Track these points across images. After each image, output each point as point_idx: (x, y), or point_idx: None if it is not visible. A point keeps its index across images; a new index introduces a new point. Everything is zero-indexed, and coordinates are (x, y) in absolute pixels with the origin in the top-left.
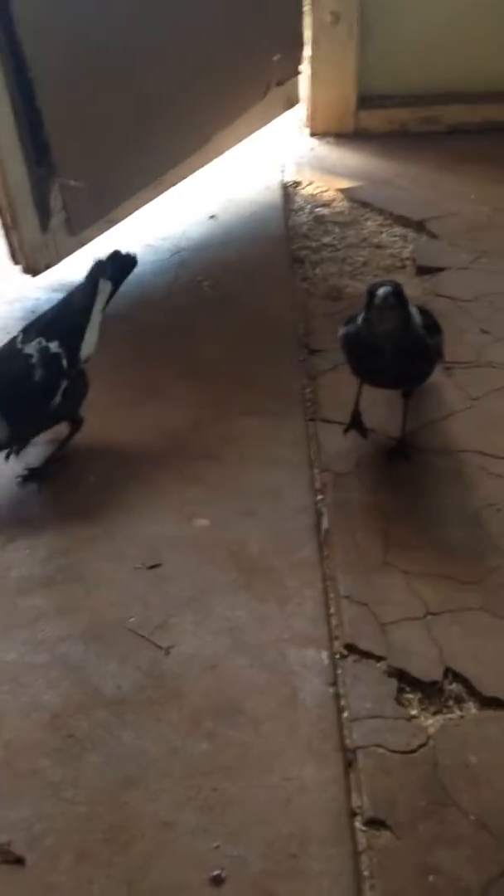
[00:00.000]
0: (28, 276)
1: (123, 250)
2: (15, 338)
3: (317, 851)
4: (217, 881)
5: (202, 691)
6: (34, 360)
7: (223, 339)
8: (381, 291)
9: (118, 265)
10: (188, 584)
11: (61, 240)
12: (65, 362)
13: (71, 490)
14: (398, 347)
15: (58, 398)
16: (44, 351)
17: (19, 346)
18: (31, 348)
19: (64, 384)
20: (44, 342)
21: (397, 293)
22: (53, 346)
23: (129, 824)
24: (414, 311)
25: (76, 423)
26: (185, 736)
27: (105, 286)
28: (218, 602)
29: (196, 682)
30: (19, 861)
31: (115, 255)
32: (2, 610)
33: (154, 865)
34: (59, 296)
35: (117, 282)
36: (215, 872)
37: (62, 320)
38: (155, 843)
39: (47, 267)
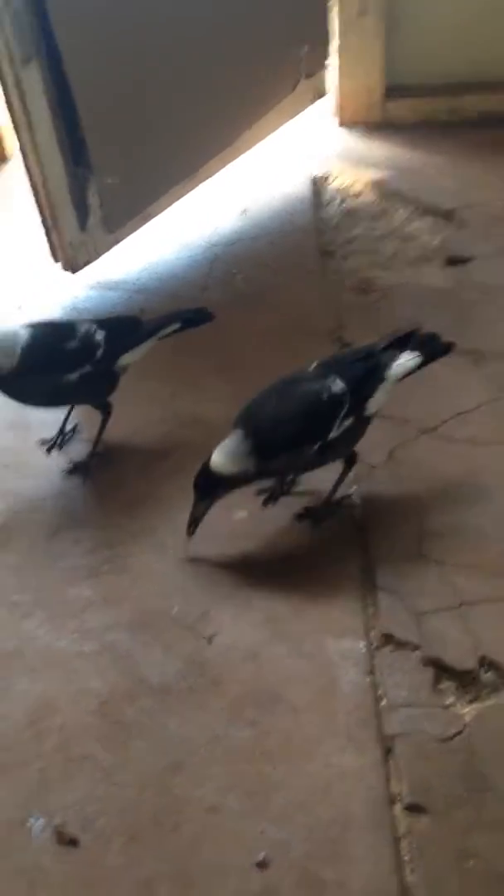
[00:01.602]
0: (68, 274)
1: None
2: (79, 319)
3: (358, 836)
4: (263, 864)
5: (243, 680)
6: (77, 332)
7: (257, 333)
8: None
9: (194, 316)
10: (227, 575)
11: (99, 237)
12: (100, 353)
13: (113, 483)
14: None
15: (74, 375)
16: (89, 333)
17: (74, 323)
18: (82, 326)
19: (86, 368)
20: (94, 328)
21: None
22: (99, 336)
23: (176, 808)
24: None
25: (105, 411)
26: (227, 723)
27: (173, 326)
28: (257, 593)
29: (237, 671)
30: (73, 842)
31: (199, 310)
32: (52, 599)
33: (202, 848)
34: (98, 292)
35: (186, 325)
36: (261, 856)
37: (122, 325)
38: (202, 827)
39: (86, 264)
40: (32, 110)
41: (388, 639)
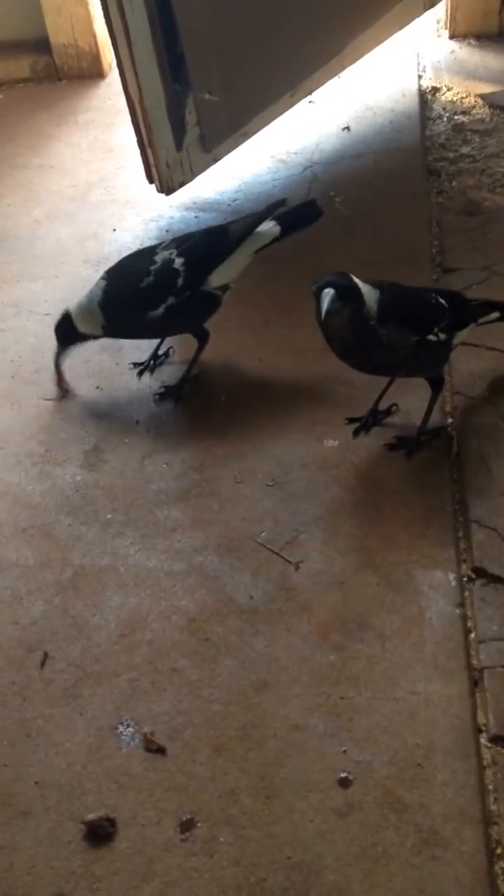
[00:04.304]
0: (162, 195)
1: (314, 203)
2: (161, 242)
3: (441, 763)
4: (345, 783)
5: (330, 605)
6: (153, 267)
7: (354, 258)
8: (325, 303)
9: (298, 214)
10: (316, 502)
11: (195, 156)
12: (181, 281)
13: (204, 409)
14: (347, 342)
15: (159, 311)
16: (167, 263)
17: (157, 250)
18: (160, 256)
19: (170, 300)
20: (173, 255)
21: (342, 294)
22: (178, 263)
23: (261, 724)
24: (373, 298)
25: (201, 338)
26: (313, 646)
27: (270, 228)
28: (345, 521)
29: (324, 597)
30: (161, 750)
31: (302, 205)
32: (142, 520)
33: (285, 763)
34: (192, 214)
35: (287, 229)
36: (343, 774)
37: (205, 242)
38: (286, 744)
39: (181, 185)
40: (131, 23)
41: (479, 573)
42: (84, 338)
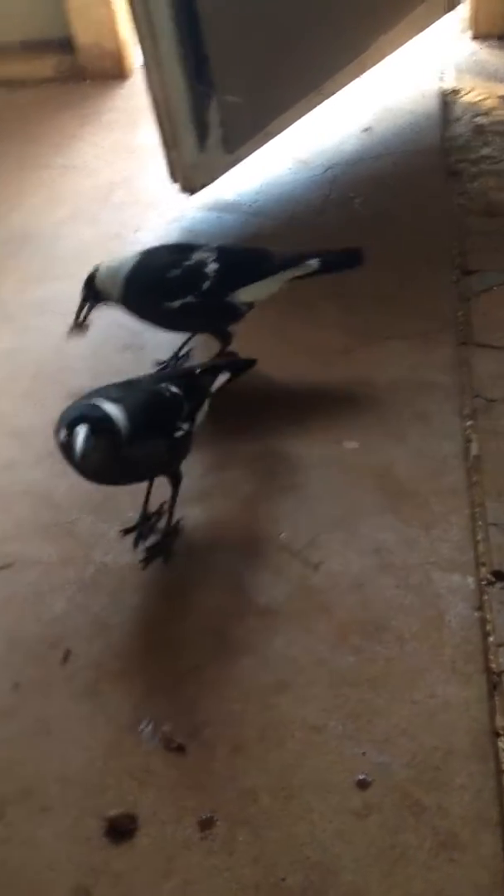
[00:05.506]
0: (185, 196)
1: (360, 251)
2: (206, 244)
3: (460, 766)
4: (363, 785)
5: (349, 607)
6: (186, 263)
7: (374, 259)
8: (79, 443)
9: (341, 257)
10: (336, 504)
11: (218, 158)
12: (206, 285)
13: (224, 408)
14: (105, 472)
15: (175, 304)
16: (200, 263)
17: (197, 249)
18: (197, 255)
19: (188, 298)
20: (209, 259)
21: (96, 429)
22: (211, 268)
23: (280, 725)
24: (121, 418)
25: (223, 339)
26: (332, 648)
27: (311, 262)
28: (365, 523)
29: (343, 599)
30: (180, 749)
31: (348, 249)
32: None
33: (304, 764)
34: (214, 215)
35: (327, 267)
36: (361, 776)
37: (245, 259)
38: (305, 745)
39: (203, 186)
40: (157, 23)
41: (498, 576)
42: (102, 298)
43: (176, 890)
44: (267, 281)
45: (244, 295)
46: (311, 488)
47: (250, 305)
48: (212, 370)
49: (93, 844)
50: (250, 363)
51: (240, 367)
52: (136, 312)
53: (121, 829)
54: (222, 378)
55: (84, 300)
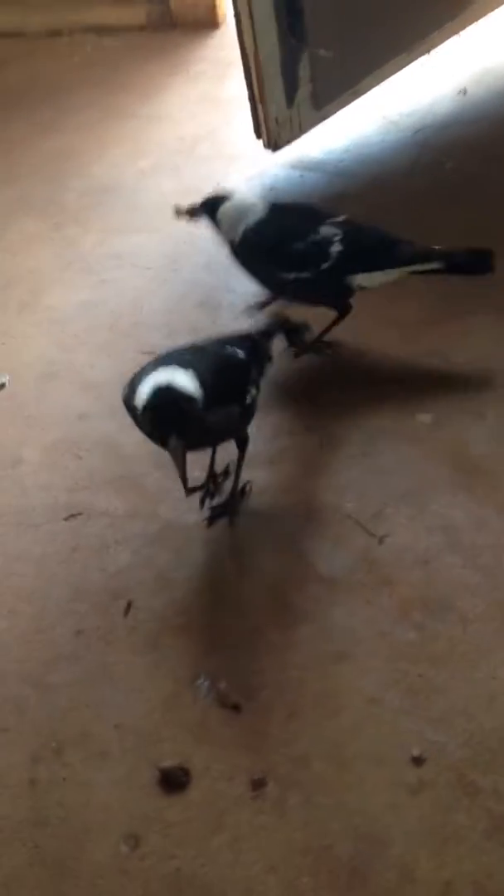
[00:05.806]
0: (268, 152)
1: (490, 255)
2: (337, 216)
3: None
4: (418, 761)
5: (413, 583)
6: (312, 238)
7: (462, 228)
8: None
9: (469, 259)
10: (405, 477)
11: (305, 114)
12: (325, 265)
13: (297, 373)
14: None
15: (289, 276)
16: (325, 242)
17: (326, 221)
18: (325, 230)
19: (304, 274)
20: (335, 238)
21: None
22: (335, 249)
23: (337, 694)
24: (195, 387)
25: (340, 311)
26: (394, 622)
27: (430, 266)
28: (434, 499)
29: (407, 574)
30: (236, 707)
31: (478, 252)
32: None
33: (359, 736)
34: (297, 173)
35: (452, 267)
36: (416, 752)
37: (371, 245)
38: (361, 716)
39: (288, 142)
40: None
41: None
42: (216, 226)
43: (224, 845)
44: (387, 272)
45: (361, 280)
46: (381, 459)
47: (359, 286)
48: (266, 334)
49: (146, 793)
50: (304, 328)
51: (293, 330)
52: (243, 265)
53: (174, 781)
54: (279, 342)
55: (200, 211)
